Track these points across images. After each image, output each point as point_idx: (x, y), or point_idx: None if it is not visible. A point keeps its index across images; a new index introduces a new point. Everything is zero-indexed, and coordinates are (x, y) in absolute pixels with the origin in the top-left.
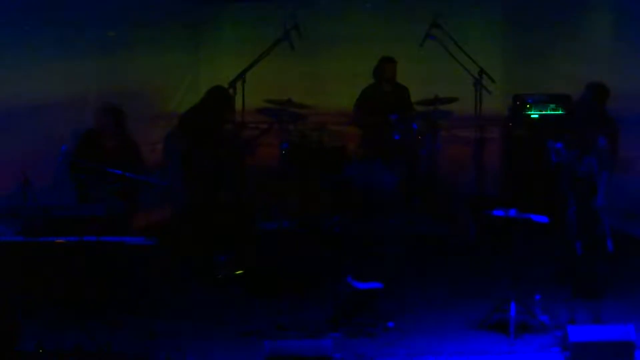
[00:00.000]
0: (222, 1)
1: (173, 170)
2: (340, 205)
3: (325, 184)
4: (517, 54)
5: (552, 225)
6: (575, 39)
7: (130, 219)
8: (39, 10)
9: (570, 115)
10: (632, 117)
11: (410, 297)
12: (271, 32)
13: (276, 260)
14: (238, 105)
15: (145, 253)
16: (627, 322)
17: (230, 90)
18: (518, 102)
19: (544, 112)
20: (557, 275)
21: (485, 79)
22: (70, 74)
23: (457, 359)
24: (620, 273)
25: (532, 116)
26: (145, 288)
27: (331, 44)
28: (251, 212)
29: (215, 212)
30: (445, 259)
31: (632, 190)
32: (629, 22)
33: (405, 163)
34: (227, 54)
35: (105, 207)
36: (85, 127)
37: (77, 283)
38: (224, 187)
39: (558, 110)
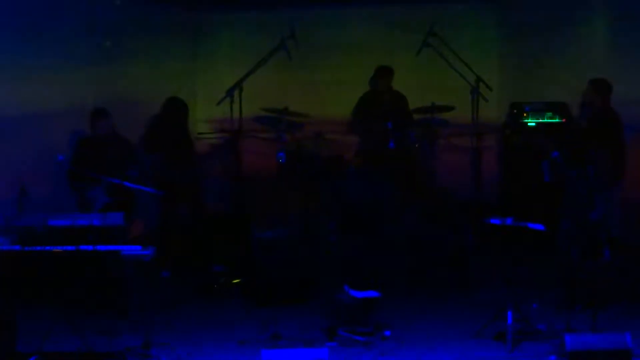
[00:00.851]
0: (219, 10)
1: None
2: (337, 214)
3: (322, 193)
4: (514, 62)
5: (550, 233)
6: (572, 47)
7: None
8: (38, 18)
9: (568, 124)
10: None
11: (408, 306)
12: (268, 41)
13: (273, 269)
14: (235, 113)
15: (142, 262)
16: (623, 330)
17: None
18: (515, 110)
19: (541, 120)
20: (554, 283)
21: (482, 86)
22: (68, 83)
23: None
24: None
25: (529, 124)
26: (142, 297)
27: (328, 53)
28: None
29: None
30: (442, 267)
31: None
32: (625, 30)
33: (402, 171)
34: (225, 62)
35: (101, 216)
36: (81, 135)
37: (74, 291)
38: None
39: (555, 118)
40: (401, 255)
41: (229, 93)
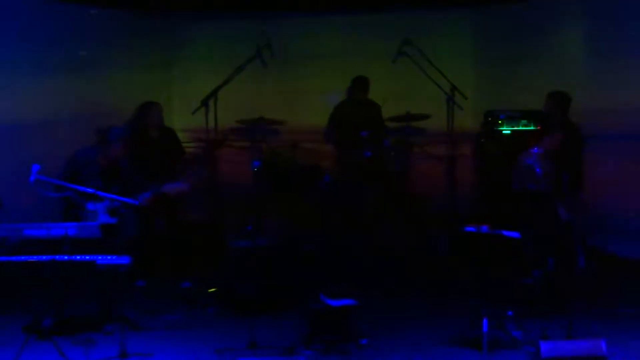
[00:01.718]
0: (194, 20)
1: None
2: (313, 223)
3: (298, 202)
4: (489, 70)
5: (524, 241)
6: (546, 55)
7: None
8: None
9: (539, 131)
10: (602, 132)
11: (384, 314)
12: (243, 50)
13: (250, 278)
14: (211, 123)
15: (118, 272)
16: (598, 337)
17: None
18: (490, 118)
19: (515, 128)
20: (530, 291)
21: (457, 95)
22: (43, 94)
23: None
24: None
25: (504, 132)
26: (119, 307)
27: (304, 62)
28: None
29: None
30: (418, 276)
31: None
32: (599, 38)
33: (377, 179)
34: (200, 72)
35: (77, 226)
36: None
37: (50, 301)
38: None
39: (530, 126)
40: (377, 263)
41: (204, 103)
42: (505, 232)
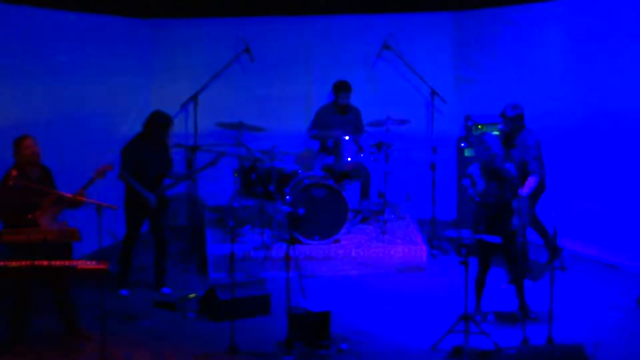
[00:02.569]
0: (174, 24)
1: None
2: (294, 227)
3: (278, 206)
4: (468, 74)
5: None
6: (523, 59)
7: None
8: None
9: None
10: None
11: (365, 319)
12: (223, 54)
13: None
14: (190, 128)
15: (97, 277)
16: (579, 341)
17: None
18: (470, 123)
19: (495, 132)
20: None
21: (437, 99)
22: (20, 99)
23: None
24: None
25: None
26: (100, 312)
27: (283, 66)
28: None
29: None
30: (399, 280)
31: None
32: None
33: (360, 184)
34: (180, 76)
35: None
36: None
37: (29, 306)
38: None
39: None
40: (359, 267)
41: (184, 107)
42: (486, 237)
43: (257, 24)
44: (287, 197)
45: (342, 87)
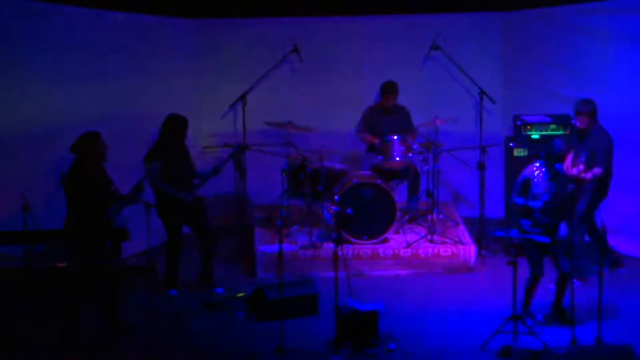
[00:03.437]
0: (223, 25)
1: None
2: (342, 227)
3: (328, 205)
4: (518, 74)
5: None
6: (575, 60)
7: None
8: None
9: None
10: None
11: (413, 319)
12: (272, 54)
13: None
14: (239, 127)
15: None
16: (628, 341)
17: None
18: (518, 123)
19: (544, 133)
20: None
21: (486, 99)
22: (72, 97)
23: None
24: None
25: (532, 136)
26: (148, 312)
27: (332, 66)
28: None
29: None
30: (447, 280)
31: None
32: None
33: (408, 184)
34: (228, 76)
35: None
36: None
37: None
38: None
39: (559, 131)
40: (407, 267)
41: (233, 107)
42: (535, 237)
43: (305, 24)
44: (336, 197)
45: (388, 89)
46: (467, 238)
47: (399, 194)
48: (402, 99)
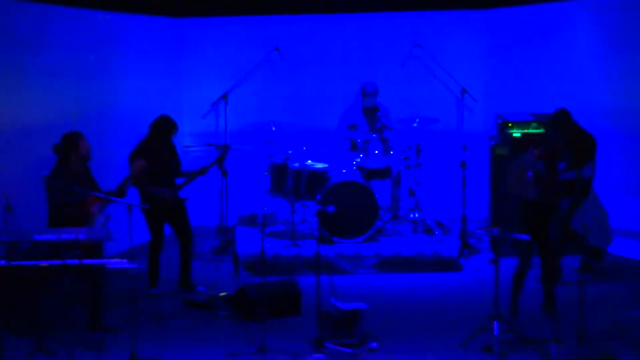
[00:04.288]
0: (203, 23)
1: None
2: (324, 226)
3: (310, 204)
4: (499, 73)
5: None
6: (557, 58)
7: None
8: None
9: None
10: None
11: (395, 317)
12: (253, 54)
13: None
14: (221, 126)
15: (129, 276)
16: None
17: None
18: (500, 121)
19: (526, 131)
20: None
21: (468, 97)
22: (53, 99)
23: None
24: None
25: (514, 135)
26: (130, 311)
27: (313, 65)
28: None
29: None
30: (430, 278)
31: None
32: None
33: (390, 183)
34: (209, 75)
35: (87, 231)
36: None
37: (61, 305)
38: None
39: (540, 129)
40: (390, 265)
41: (215, 106)
42: (516, 235)
43: (287, 22)
44: (318, 196)
45: (368, 88)
46: (449, 236)
47: (382, 193)
48: (383, 98)
